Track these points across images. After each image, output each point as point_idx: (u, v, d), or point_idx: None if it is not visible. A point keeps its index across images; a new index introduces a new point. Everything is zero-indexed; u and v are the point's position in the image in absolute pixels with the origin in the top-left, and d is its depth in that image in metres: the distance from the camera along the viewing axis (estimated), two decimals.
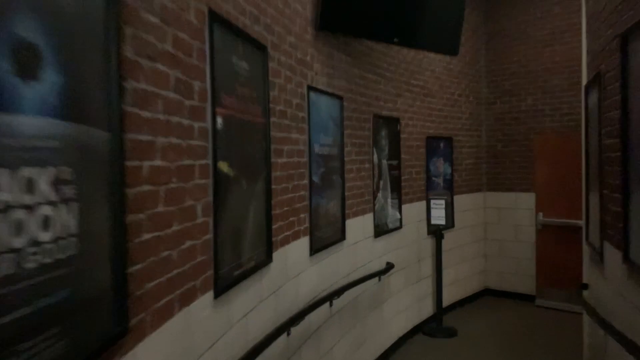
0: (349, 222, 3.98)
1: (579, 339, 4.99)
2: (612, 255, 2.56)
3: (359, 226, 4.20)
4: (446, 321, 5.51)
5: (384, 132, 4.69)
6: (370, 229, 4.41)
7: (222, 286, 2.13)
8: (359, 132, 4.24)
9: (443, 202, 5.29)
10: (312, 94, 3.37)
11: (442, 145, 5.80)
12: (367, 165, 4.36)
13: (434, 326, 5.38)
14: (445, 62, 5.90)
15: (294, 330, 2.91)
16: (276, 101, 2.82)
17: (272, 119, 2.75)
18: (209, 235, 2.05)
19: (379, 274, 4.42)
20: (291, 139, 3.04)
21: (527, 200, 6.19)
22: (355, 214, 4.13)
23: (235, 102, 2.28)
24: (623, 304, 2.39)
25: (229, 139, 2.21)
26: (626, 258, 2.28)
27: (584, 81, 3.51)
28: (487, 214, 6.57)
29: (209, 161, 2.05)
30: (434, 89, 5.68)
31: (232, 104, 2.24)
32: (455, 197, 5.95)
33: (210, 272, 2.05)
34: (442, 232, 5.41)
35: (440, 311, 5.47)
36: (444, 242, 5.45)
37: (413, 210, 5.24)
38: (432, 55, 5.59)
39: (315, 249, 3.34)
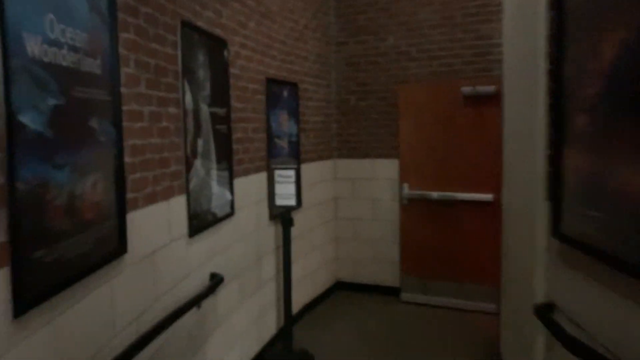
0: (137, 217, 2.04)
1: (469, 343, 3.84)
2: None
3: (159, 221, 2.27)
4: (296, 337, 3.94)
5: (202, 58, 2.78)
6: (182, 222, 2.51)
7: None
8: (154, 46, 2.27)
9: (292, 173, 3.64)
10: None
11: (285, 93, 4.10)
12: (172, 110, 2.43)
13: (283, 352, 3.75)
14: None
15: None
16: None
17: None
18: None
19: (199, 298, 2.57)
20: None
21: (388, 169, 4.89)
22: (151, 200, 2.20)
23: None
24: None
25: None
26: None
27: None
28: (338, 186, 5.13)
29: None
30: (274, 9, 3.90)
31: None
32: (302, 167, 4.35)
33: None
34: (291, 216, 3.76)
35: (290, 324, 3.86)
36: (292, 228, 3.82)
37: (250, 187, 3.47)
38: None
39: (29, 299, 1.34)
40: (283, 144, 4.03)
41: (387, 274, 4.97)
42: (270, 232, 3.80)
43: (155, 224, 2.23)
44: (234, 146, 3.19)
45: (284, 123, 4.07)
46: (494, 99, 4.30)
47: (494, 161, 4.34)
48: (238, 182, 3.24)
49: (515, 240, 2.70)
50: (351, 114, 5.01)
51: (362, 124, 4.98)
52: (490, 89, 4.28)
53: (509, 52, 3.13)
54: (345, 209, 5.12)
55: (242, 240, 3.33)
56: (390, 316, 4.54)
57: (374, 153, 4.95)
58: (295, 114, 4.25)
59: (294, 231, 4.01)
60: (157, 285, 2.24)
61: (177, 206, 2.45)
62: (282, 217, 3.68)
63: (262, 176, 3.67)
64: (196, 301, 2.51)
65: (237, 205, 3.21)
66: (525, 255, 2.41)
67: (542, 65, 2.14)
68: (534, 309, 2.08)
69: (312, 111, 4.62)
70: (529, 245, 2.31)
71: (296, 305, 4.25)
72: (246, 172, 3.39)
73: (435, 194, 4.61)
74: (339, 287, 5.17)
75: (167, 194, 2.34)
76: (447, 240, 4.62)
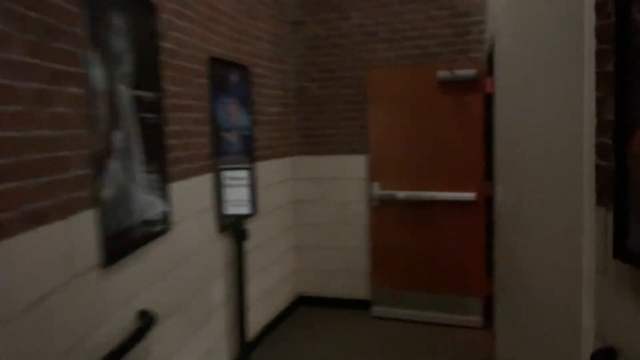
0: (7, 249, 1.33)
1: None
2: None
3: (51, 251, 1.55)
4: None
5: (121, 24, 2.06)
6: (90, 248, 1.79)
7: None
8: None
9: (245, 174, 2.96)
10: None
11: (235, 78, 3.41)
12: (73, 90, 1.71)
13: None
14: None
15: None
16: None
17: None
18: None
19: (121, 351, 1.86)
20: None
21: (356, 167, 4.29)
22: (36, 220, 1.48)
23: None
24: None
25: None
26: None
27: None
28: (300, 188, 4.49)
29: None
30: None
31: None
32: (257, 166, 3.69)
33: None
34: (245, 226, 3.08)
35: (247, 353, 3.20)
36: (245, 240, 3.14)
37: (192, 193, 2.77)
38: None
39: None
40: (233, 139, 3.34)
41: (356, 285, 4.38)
42: (219, 248, 3.11)
43: (44, 256, 1.51)
44: (169, 141, 2.49)
45: (234, 114, 3.38)
46: (475, 84, 3.78)
47: (476, 155, 3.83)
48: (176, 188, 2.54)
49: (535, 254, 2.14)
50: (313, 104, 4.38)
51: (325, 115, 4.35)
52: (470, 72, 3.75)
53: (506, 18, 2.58)
54: (308, 213, 4.48)
55: (182, 262, 2.63)
56: (360, 334, 3.94)
57: (340, 149, 4.34)
58: (247, 104, 3.57)
59: (249, 243, 3.34)
60: (50, 347, 1.52)
61: (82, 226, 1.73)
62: (234, 229, 3.00)
63: (207, 179, 2.97)
64: (116, 356, 1.81)
65: (174, 217, 2.51)
66: (557, 278, 1.85)
67: (589, 21, 1.57)
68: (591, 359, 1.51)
69: (267, 100, 3.95)
70: (568, 265, 1.74)
71: (253, 329, 3.59)
72: (186, 175, 2.68)
73: (409, 194, 4.04)
74: (302, 302, 4.54)
75: (64, 210, 1.62)
76: (424, 246, 4.07)
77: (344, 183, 4.35)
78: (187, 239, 2.68)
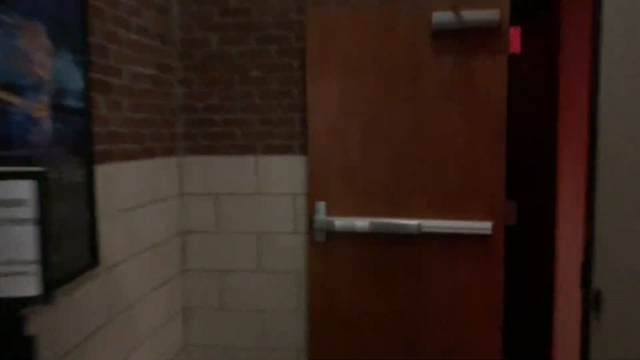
0: None
1: None
2: None
3: None
4: None
5: None
6: None
7: None
8: None
9: (27, 192, 1.15)
10: None
11: None
12: None
13: None
14: None
15: None
16: None
17: None
18: None
19: None
20: None
21: (287, 176, 2.60)
22: None
23: None
24: None
25: None
26: None
27: None
28: (190, 210, 2.69)
29: None
30: None
31: None
32: (100, 169, 1.87)
33: None
34: (28, 326, 1.26)
35: None
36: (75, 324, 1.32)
37: None
38: None
39: None
40: (36, 112, 1.49)
41: None
42: None
43: None
44: None
45: (36, 56, 1.53)
46: (495, 39, 2.27)
47: (493, 158, 2.30)
48: None
49: None
50: (213, 68, 2.61)
51: (234, 88, 2.60)
52: (489, 15, 2.23)
53: None
54: (204, 252, 2.69)
55: None
56: None
57: (259, 145, 2.61)
58: (73, 42, 1.73)
59: (86, 320, 1.51)
60: None
61: None
62: (2, 335, 1.16)
63: None
64: None
65: None
66: None
67: None
68: None
69: (128, 53, 2.13)
70: None
71: None
72: None
73: (376, 222, 2.42)
74: None
75: None
76: (401, 309, 2.47)
77: (265, 202, 2.62)
78: None
